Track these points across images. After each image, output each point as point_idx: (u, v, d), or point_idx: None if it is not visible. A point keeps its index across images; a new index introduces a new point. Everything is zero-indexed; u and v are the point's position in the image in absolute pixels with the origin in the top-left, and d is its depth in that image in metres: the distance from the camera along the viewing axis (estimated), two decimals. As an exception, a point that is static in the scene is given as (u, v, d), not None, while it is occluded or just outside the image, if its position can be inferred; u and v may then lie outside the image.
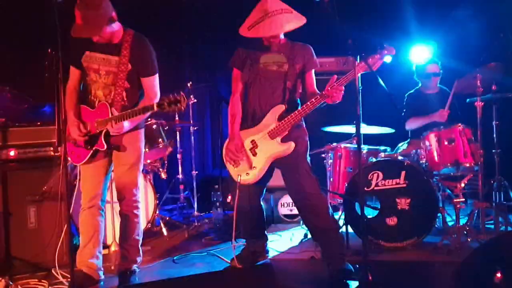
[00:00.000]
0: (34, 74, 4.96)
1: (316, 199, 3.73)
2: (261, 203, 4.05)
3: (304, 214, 3.89)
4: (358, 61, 3.45)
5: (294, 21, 3.64)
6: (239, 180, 3.78)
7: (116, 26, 3.55)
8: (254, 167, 3.76)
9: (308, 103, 3.60)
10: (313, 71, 3.87)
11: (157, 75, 3.70)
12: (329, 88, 3.51)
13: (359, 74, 3.44)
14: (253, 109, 3.82)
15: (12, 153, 4.14)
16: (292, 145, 3.69)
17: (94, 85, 3.63)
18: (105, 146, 3.59)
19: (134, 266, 3.83)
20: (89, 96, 3.66)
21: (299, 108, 3.73)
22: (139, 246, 3.88)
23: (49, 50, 3.10)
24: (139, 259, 3.87)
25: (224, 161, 3.90)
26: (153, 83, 3.68)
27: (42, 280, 3.89)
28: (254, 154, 3.77)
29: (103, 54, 3.58)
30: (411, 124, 5.17)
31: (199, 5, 6.62)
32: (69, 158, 3.69)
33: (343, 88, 3.51)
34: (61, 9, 3.07)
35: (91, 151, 3.64)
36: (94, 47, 3.58)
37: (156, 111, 3.38)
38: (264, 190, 4.04)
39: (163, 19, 6.45)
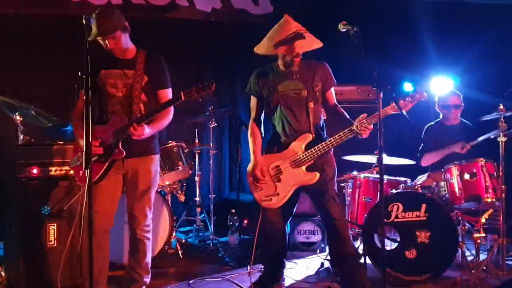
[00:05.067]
0: (63, 95, 5.04)
1: (341, 225, 3.72)
2: (286, 229, 4.00)
3: (331, 239, 3.92)
4: (390, 102, 3.45)
5: (315, 42, 3.68)
6: (262, 204, 3.75)
7: (130, 43, 3.65)
8: (278, 193, 3.73)
9: (336, 136, 3.62)
10: (332, 88, 3.88)
11: (170, 89, 3.74)
12: (358, 125, 3.50)
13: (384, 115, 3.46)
14: (278, 135, 3.81)
15: (34, 171, 4.14)
16: (317, 175, 3.68)
17: (111, 101, 3.61)
18: (124, 153, 3.51)
19: None
20: (104, 114, 3.63)
21: (326, 137, 3.78)
22: (149, 268, 3.82)
23: (79, 73, 3.14)
24: (148, 281, 3.81)
25: (248, 184, 3.86)
26: (168, 97, 3.69)
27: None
28: (278, 180, 3.74)
29: (119, 69, 3.62)
30: (427, 160, 5.10)
31: (220, 31, 6.66)
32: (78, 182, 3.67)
33: (372, 127, 3.50)
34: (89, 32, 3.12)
35: (106, 164, 3.54)
36: (109, 65, 3.62)
37: (184, 100, 3.37)
38: (291, 215, 4.00)
39: (184, 42, 6.49)
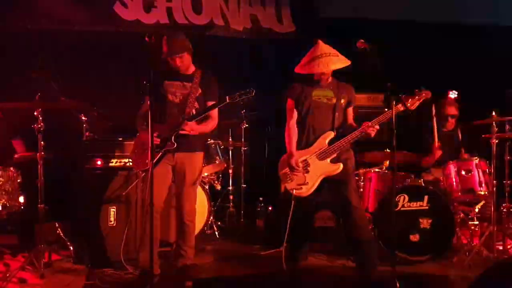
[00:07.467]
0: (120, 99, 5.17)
1: (360, 213, 3.82)
2: (312, 214, 4.07)
3: (349, 226, 3.91)
4: (395, 103, 3.51)
5: (339, 63, 3.79)
6: (293, 193, 3.85)
7: (191, 62, 3.90)
8: (307, 182, 3.84)
9: (353, 134, 3.74)
10: (352, 106, 4.02)
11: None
12: (367, 126, 3.68)
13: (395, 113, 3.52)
14: (308, 134, 3.94)
15: (99, 162, 4.30)
16: (340, 166, 3.79)
17: (170, 105, 3.85)
18: (175, 145, 3.71)
19: (190, 262, 3.95)
20: (163, 115, 3.83)
21: (344, 136, 3.87)
22: (193, 245, 3.99)
23: (144, 82, 3.31)
24: (193, 256, 3.99)
25: (280, 175, 3.97)
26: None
27: (117, 270, 3.99)
28: (307, 172, 3.85)
29: (179, 81, 3.88)
30: None
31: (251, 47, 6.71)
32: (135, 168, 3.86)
33: (378, 127, 3.67)
34: (152, 48, 3.26)
35: (160, 154, 3.73)
36: (172, 77, 3.88)
37: (228, 102, 3.64)
38: (316, 203, 4.09)
39: (222, 56, 6.56)
